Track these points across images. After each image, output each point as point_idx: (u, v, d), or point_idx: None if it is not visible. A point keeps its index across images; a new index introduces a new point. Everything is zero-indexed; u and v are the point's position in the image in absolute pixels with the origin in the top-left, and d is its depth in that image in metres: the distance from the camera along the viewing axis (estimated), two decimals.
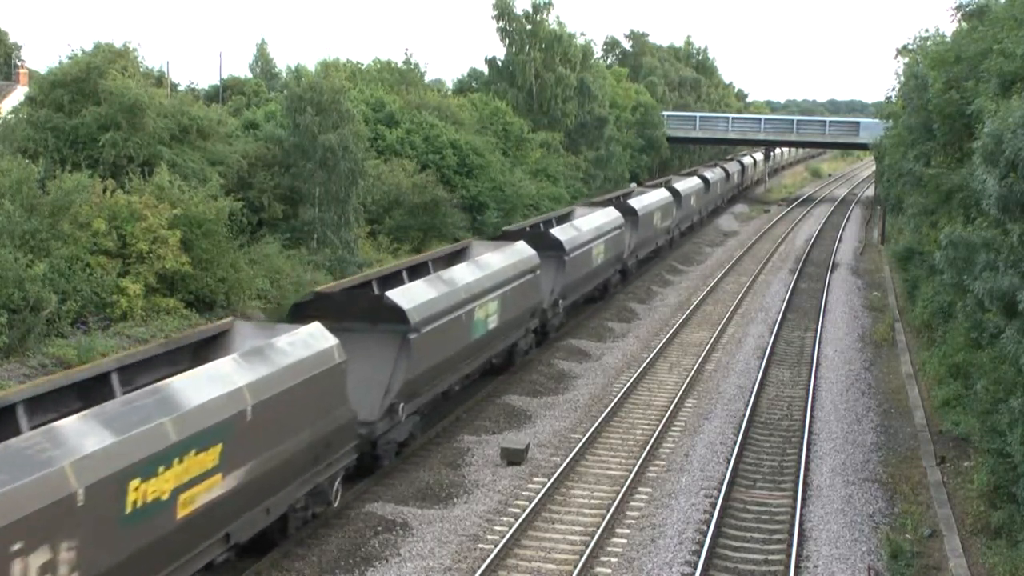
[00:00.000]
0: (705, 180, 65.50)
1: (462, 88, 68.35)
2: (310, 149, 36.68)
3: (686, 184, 58.83)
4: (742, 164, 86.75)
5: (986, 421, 19.11)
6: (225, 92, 57.97)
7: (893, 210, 38.35)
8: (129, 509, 12.71)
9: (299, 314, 20.71)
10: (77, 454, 12.05)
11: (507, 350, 28.36)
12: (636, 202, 45.22)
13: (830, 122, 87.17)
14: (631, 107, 76.97)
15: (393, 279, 24.35)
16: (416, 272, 25.50)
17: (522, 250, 29.53)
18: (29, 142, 32.83)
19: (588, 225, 36.77)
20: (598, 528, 18.36)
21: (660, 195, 50.88)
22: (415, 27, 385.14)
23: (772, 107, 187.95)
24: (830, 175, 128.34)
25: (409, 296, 21.80)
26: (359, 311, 21.07)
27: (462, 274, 25.02)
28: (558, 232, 33.60)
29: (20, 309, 23.81)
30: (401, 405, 20.86)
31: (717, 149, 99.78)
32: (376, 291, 22.86)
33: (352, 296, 22.07)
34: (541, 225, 36.37)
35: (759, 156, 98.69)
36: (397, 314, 21.03)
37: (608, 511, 19.11)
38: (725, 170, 76.38)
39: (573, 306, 35.37)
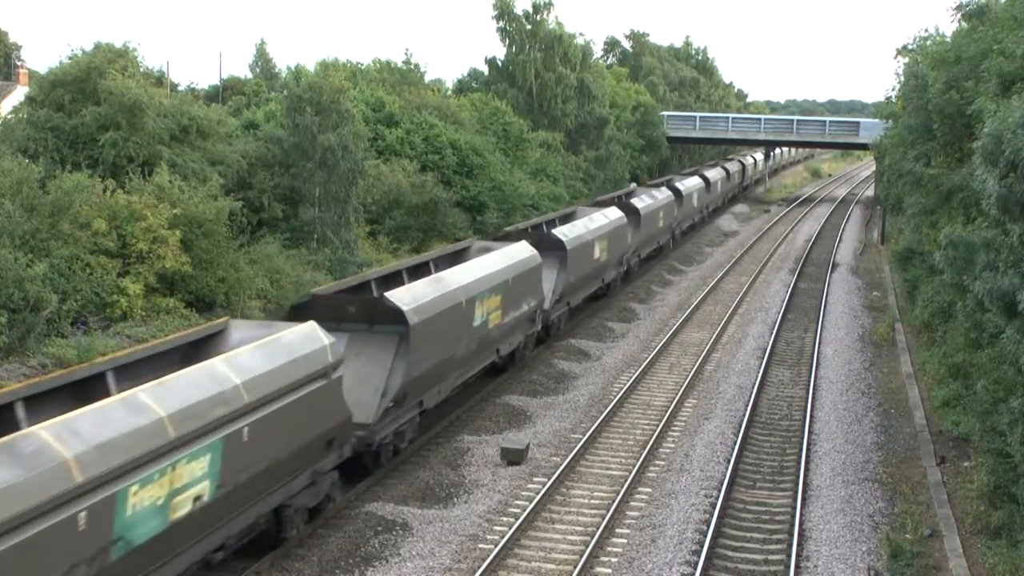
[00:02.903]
0: (727, 170, 77.51)
1: (462, 88, 68.30)
2: (310, 149, 36.66)
3: (713, 173, 70.89)
4: (754, 158, 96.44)
5: (986, 421, 19.10)
6: (225, 92, 58.01)
7: (893, 210, 38.36)
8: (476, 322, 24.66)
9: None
10: (467, 279, 24.08)
11: (607, 284, 40.10)
12: (680, 185, 57.57)
13: (830, 122, 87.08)
14: (631, 107, 76.95)
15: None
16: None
17: (612, 213, 40.07)
18: (29, 142, 32.81)
19: (650, 199, 48.71)
20: (598, 528, 18.36)
21: (695, 181, 63.51)
22: (415, 27, 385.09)
23: (772, 107, 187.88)
24: (830, 175, 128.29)
25: (565, 233, 33.59)
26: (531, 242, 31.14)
27: (589, 223, 36.72)
28: (635, 201, 46.05)
29: (20, 309, 23.80)
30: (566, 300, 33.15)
31: (718, 149, 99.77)
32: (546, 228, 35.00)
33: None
34: (616, 198, 48.32)
35: (760, 155, 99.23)
36: (558, 242, 32.15)
37: (608, 511, 19.11)
38: (741, 163, 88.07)
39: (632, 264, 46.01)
